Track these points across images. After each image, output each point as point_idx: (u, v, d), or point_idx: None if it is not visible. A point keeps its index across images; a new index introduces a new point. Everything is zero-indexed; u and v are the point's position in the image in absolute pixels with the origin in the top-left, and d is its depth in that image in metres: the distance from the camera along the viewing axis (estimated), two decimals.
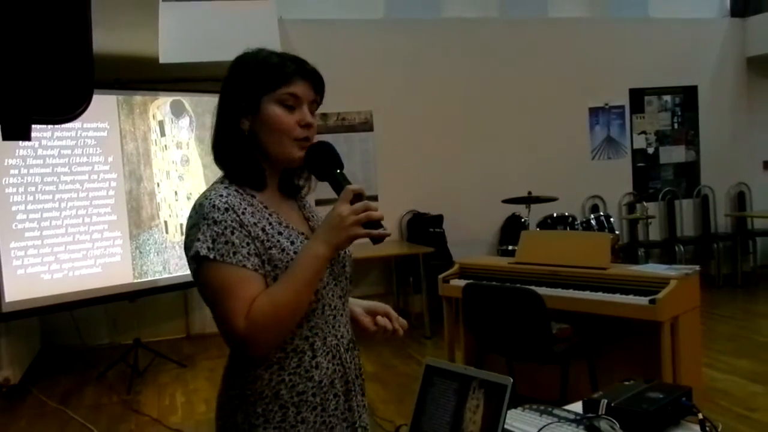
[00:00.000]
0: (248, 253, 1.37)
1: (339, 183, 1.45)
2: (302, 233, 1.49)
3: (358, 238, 1.39)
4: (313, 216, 1.62)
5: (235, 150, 1.45)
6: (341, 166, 1.49)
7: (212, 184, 1.46)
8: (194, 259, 1.36)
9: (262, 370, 1.41)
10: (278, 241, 1.42)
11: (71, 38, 0.91)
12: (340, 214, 1.38)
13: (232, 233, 1.36)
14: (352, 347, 1.58)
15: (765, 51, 7.91)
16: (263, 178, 1.48)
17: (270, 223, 1.43)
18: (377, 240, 1.41)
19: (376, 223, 1.39)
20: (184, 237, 1.44)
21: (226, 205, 1.37)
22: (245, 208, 1.40)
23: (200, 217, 1.37)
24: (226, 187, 1.42)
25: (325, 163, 1.48)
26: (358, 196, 1.40)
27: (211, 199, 1.38)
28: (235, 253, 1.35)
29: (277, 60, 1.46)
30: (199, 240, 1.35)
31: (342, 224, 1.37)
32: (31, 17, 0.86)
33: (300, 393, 1.43)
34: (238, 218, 1.37)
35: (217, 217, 1.36)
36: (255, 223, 1.40)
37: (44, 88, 0.90)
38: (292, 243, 1.44)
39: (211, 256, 1.34)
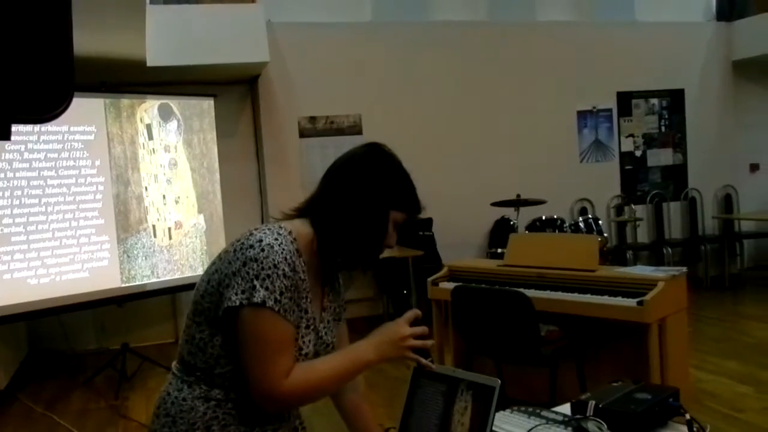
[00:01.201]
0: (295, 317, 1.43)
1: (402, 302, 1.57)
2: (315, 318, 1.54)
3: (406, 360, 1.51)
4: (331, 300, 1.64)
5: (373, 237, 1.51)
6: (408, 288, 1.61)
7: (279, 228, 1.45)
8: (255, 305, 1.35)
9: (199, 402, 1.44)
10: (299, 316, 1.46)
11: (52, 37, 0.91)
12: (403, 334, 1.48)
13: (293, 293, 1.41)
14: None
15: (750, 54, 7.99)
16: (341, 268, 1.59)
17: (303, 297, 1.47)
18: (420, 367, 1.54)
19: (426, 352, 1.52)
20: (226, 261, 1.42)
21: (293, 266, 1.41)
22: (301, 274, 1.45)
23: (269, 261, 1.37)
24: (292, 242, 1.44)
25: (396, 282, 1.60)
26: (416, 321, 1.52)
27: (283, 248, 1.40)
28: (293, 312, 1.41)
29: (415, 193, 1.58)
30: (267, 289, 1.36)
31: (401, 344, 1.48)
32: (10, 17, 0.86)
33: None
34: (296, 283, 1.42)
35: (287, 272, 1.39)
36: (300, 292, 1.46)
37: (24, 87, 0.90)
38: (307, 327, 1.50)
39: (276, 309, 1.37)
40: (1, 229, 4.74)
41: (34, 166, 4.92)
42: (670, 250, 7.63)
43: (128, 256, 5.43)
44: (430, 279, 4.23)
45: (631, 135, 7.91)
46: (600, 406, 1.90)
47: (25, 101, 0.91)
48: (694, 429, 1.83)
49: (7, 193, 4.78)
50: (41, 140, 4.95)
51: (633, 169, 7.92)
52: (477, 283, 3.96)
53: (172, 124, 5.82)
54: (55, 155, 5.03)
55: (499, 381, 1.66)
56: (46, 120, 0.97)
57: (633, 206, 7.72)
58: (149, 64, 5.30)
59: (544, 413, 1.96)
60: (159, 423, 1.47)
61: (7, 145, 4.61)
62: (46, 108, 0.93)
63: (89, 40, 4.26)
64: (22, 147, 4.85)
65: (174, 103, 5.82)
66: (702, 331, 5.59)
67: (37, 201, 4.92)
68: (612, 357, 3.71)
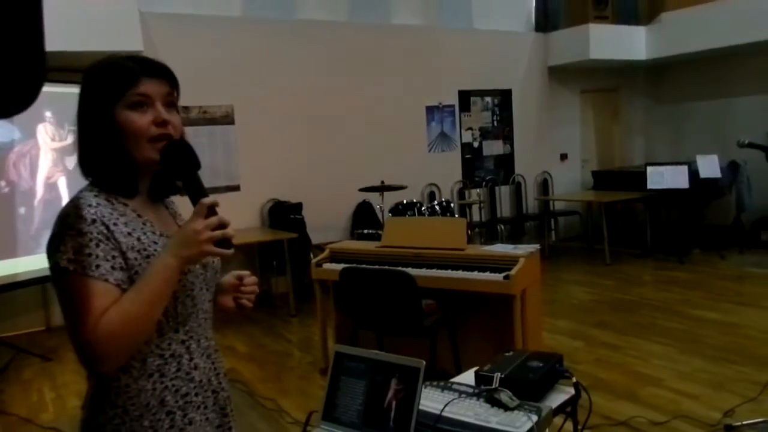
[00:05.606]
0: (112, 267, 1.20)
1: (194, 187, 1.28)
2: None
3: (209, 256, 1.26)
4: (182, 220, 1.45)
5: (106, 159, 1.26)
6: (198, 167, 1.31)
7: (80, 192, 1.26)
8: (53, 269, 1.18)
9: (144, 381, 1.26)
10: (155, 250, 1.27)
11: (22, 31, 0.71)
12: (194, 229, 1.22)
13: (97, 246, 1.18)
14: (216, 347, 1.47)
15: (562, 62, 8.57)
16: (135, 186, 1.31)
17: (145, 233, 1.28)
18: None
19: (227, 242, 1.25)
20: (47, 245, 1.23)
21: (94, 217, 1.20)
22: (117, 219, 1.24)
23: (65, 227, 1.19)
24: (95, 196, 1.24)
25: (180, 164, 1.29)
26: (211, 210, 1.25)
27: (78, 209, 1.20)
28: (98, 266, 1.17)
29: (121, 64, 1.29)
30: (60, 251, 1.17)
31: (195, 239, 1.22)
32: None
33: (184, 395, 1.32)
34: (106, 230, 1.20)
35: (83, 228, 1.18)
36: (129, 233, 1.24)
37: None
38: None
39: (71, 268, 1.16)
40: None
41: None
42: (502, 227, 8.04)
43: None
44: (314, 261, 4.09)
45: (470, 128, 8.19)
46: (503, 376, 1.90)
47: None
48: (580, 390, 1.92)
49: None
50: None
51: (471, 158, 8.22)
52: (358, 263, 3.87)
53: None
54: None
55: (424, 362, 1.59)
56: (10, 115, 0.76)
57: (473, 190, 8.03)
58: None
59: (456, 386, 1.92)
60: (104, 418, 1.26)
61: None
62: (13, 103, 0.73)
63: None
64: None
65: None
66: None
67: None
68: (479, 325, 3.80)
